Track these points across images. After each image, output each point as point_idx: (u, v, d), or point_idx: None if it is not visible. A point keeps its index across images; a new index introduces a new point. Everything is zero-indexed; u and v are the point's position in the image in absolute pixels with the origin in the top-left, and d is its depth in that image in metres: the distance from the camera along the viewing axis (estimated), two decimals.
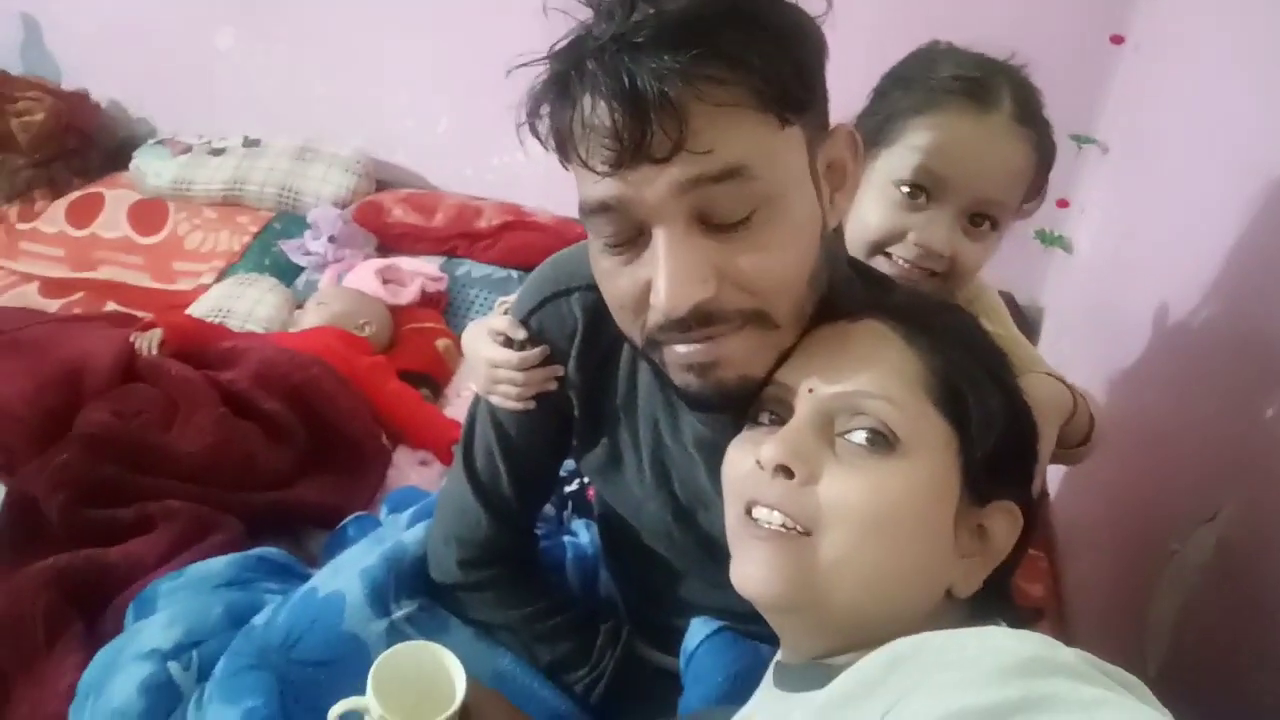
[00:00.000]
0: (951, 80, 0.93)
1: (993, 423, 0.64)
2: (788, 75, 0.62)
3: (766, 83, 0.61)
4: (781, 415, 0.67)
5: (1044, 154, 0.97)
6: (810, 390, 0.65)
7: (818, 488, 0.62)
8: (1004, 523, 0.65)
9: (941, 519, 0.63)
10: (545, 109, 0.66)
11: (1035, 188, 0.98)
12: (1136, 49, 1.73)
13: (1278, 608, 0.88)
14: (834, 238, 0.78)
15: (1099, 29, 1.78)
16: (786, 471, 0.62)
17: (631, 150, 0.60)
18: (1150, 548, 1.13)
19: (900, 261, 0.96)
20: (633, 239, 0.66)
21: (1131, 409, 1.38)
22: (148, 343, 1.64)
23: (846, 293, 0.77)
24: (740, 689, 0.87)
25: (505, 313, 0.93)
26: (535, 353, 0.88)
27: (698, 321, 0.66)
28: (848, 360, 0.65)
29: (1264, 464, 0.95)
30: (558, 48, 0.65)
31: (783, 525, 0.62)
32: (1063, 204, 1.95)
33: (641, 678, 1.04)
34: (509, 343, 0.90)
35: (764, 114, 0.62)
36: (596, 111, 0.62)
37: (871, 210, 0.96)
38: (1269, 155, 1.05)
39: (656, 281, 0.64)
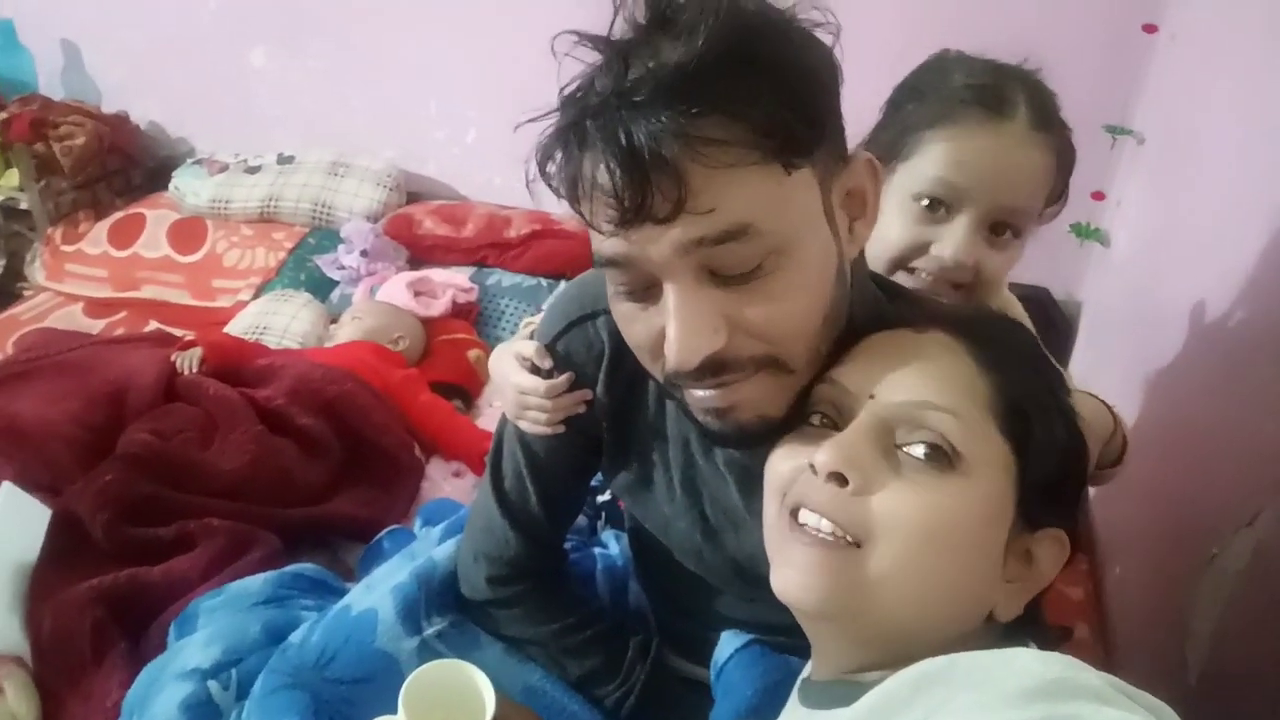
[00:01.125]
0: (965, 90, 0.92)
1: (1053, 448, 0.63)
2: (791, 120, 0.60)
3: (768, 134, 0.59)
4: (834, 418, 0.66)
5: (1063, 158, 0.95)
6: (873, 397, 0.63)
7: (871, 499, 0.60)
8: (1052, 550, 0.64)
9: (994, 542, 0.61)
10: (557, 158, 0.65)
11: (1056, 192, 0.97)
12: (1172, 38, 1.70)
13: None
14: (856, 258, 0.78)
15: (1131, 18, 1.75)
16: (840, 479, 0.60)
17: (633, 211, 0.59)
18: (1190, 551, 1.10)
19: (923, 275, 0.95)
20: (646, 288, 0.66)
21: (1170, 408, 1.35)
22: (188, 361, 1.69)
23: (874, 311, 0.76)
24: (770, 702, 0.87)
25: (531, 334, 0.94)
26: (562, 380, 0.88)
27: (711, 371, 0.65)
28: (914, 370, 0.63)
29: None
30: (566, 93, 0.64)
31: (831, 534, 0.61)
32: (1098, 197, 1.91)
33: (671, 690, 1.04)
34: (536, 369, 0.90)
35: (767, 165, 0.60)
36: (597, 172, 0.61)
37: (892, 225, 0.95)
38: None
39: (668, 333, 0.64)
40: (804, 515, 0.62)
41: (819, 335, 0.68)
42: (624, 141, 0.58)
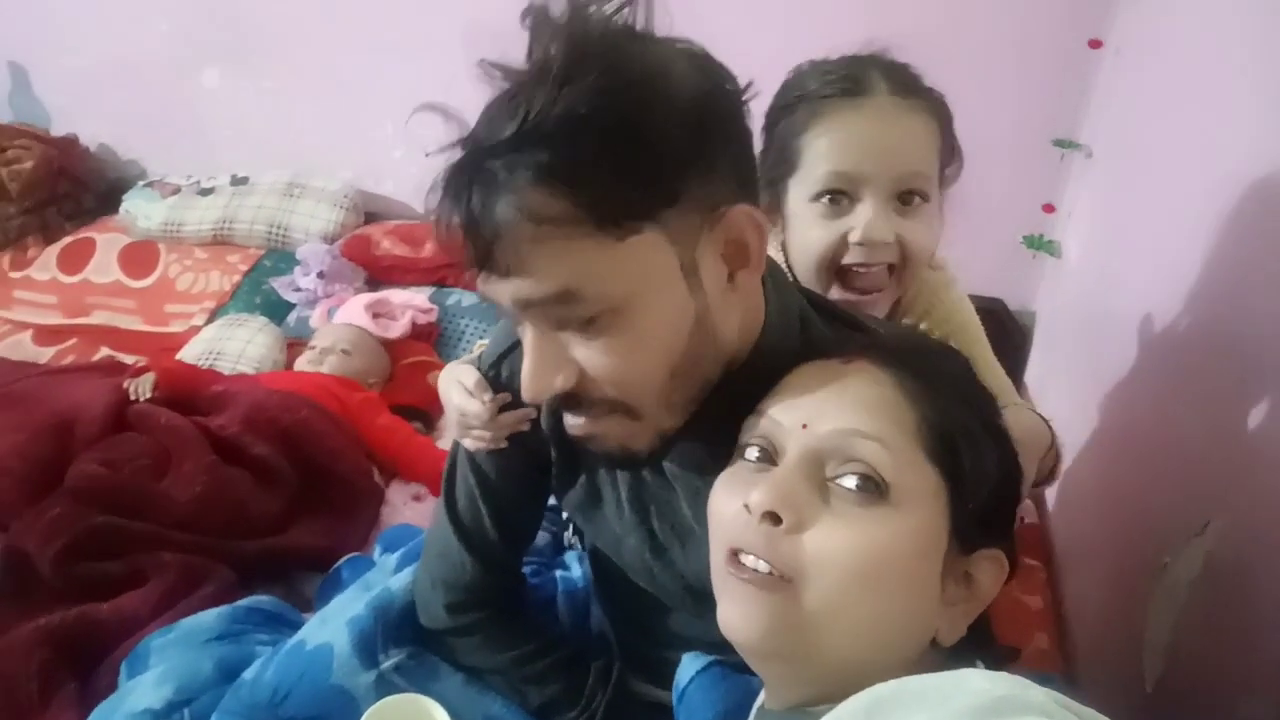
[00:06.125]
0: (824, 87, 0.97)
1: (985, 476, 0.64)
2: (625, 191, 0.61)
3: (595, 205, 0.61)
4: (769, 451, 0.67)
5: (940, 116, 0.99)
6: (804, 426, 0.64)
7: (804, 536, 0.61)
8: (990, 571, 0.65)
9: (929, 570, 0.62)
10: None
11: (948, 150, 1.01)
12: (1117, 53, 1.73)
13: (1265, 625, 0.87)
14: (783, 289, 0.79)
15: (1077, 34, 1.78)
16: (774, 518, 0.61)
17: (477, 262, 0.64)
18: (1145, 560, 1.12)
19: (855, 269, 0.98)
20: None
21: (1123, 417, 1.37)
22: (140, 387, 1.65)
23: (802, 338, 0.78)
24: None
25: (481, 354, 0.94)
26: (495, 405, 0.90)
27: (565, 405, 0.71)
28: (842, 401, 0.65)
29: (1251, 477, 0.94)
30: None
31: (769, 572, 0.62)
32: (1049, 209, 1.95)
33: (633, 715, 1.04)
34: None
35: (597, 235, 0.62)
36: (453, 220, 0.64)
37: (808, 232, 0.98)
38: (1252, 157, 1.04)
39: (523, 368, 0.69)
40: (743, 558, 0.63)
41: (667, 387, 0.70)
42: (465, 202, 0.62)
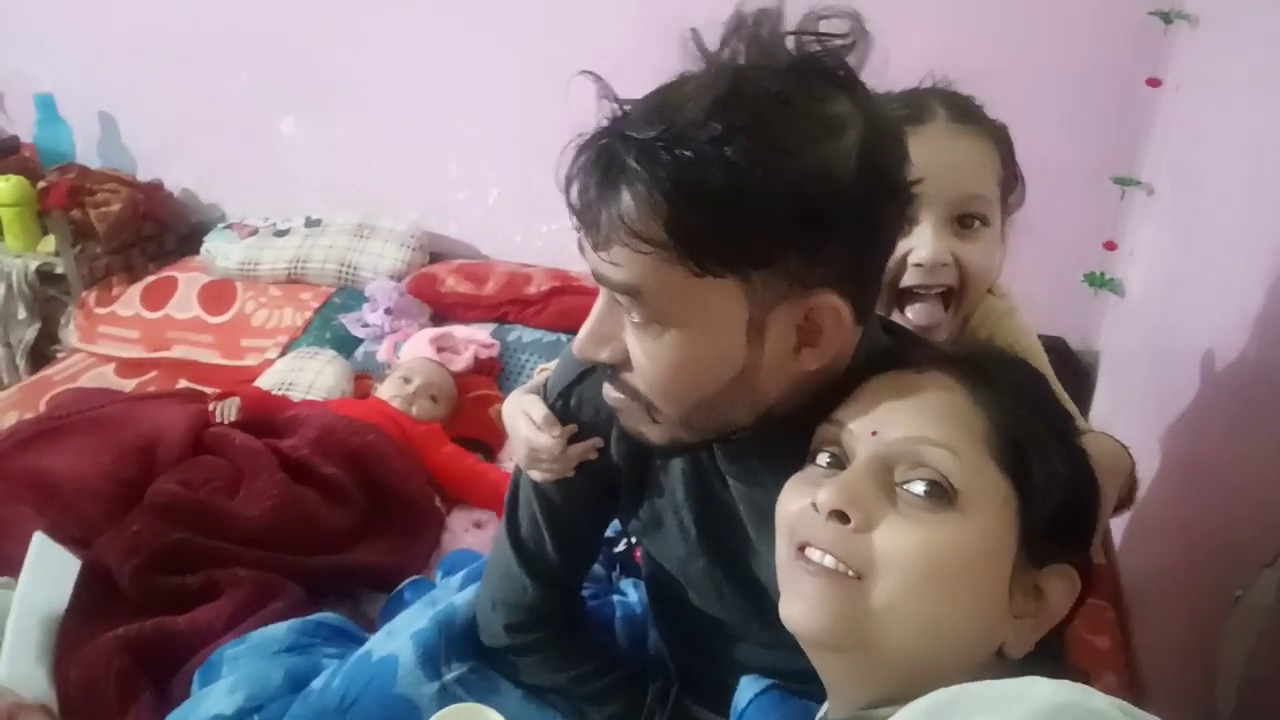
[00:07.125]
0: None
1: (1055, 485, 0.63)
2: (722, 244, 0.64)
3: (688, 242, 0.64)
4: (839, 456, 0.68)
5: (999, 143, 1.00)
6: (874, 434, 0.65)
7: (873, 535, 0.61)
8: (1061, 586, 0.64)
9: (995, 577, 0.62)
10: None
11: (1009, 176, 1.01)
12: (1176, 90, 1.73)
13: None
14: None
15: (1135, 73, 1.79)
16: (842, 516, 0.62)
17: (582, 225, 0.70)
18: (1216, 594, 1.09)
19: (914, 291, 0.98)
20: None
21: (1190, 452, 1.35)
22: (226, 410, 1.72)
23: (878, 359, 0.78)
24: None
25: (545, 381, 0.96)
26: (564, 438, 0.91)
27: (608, 374, 0.76)
28: (912, 408, 0.65)
29: None
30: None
31: (835, 566, 0.62)
32: (1110, 246, 1.93)
33: None
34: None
35: (679, 264, 0.65)
36: (578, 182, 0.69)
37: None
38: None
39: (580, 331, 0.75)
40: (809, 552, 0.64)
41: (689, 412, 0.74)
42: (590, 174, 0.67)
